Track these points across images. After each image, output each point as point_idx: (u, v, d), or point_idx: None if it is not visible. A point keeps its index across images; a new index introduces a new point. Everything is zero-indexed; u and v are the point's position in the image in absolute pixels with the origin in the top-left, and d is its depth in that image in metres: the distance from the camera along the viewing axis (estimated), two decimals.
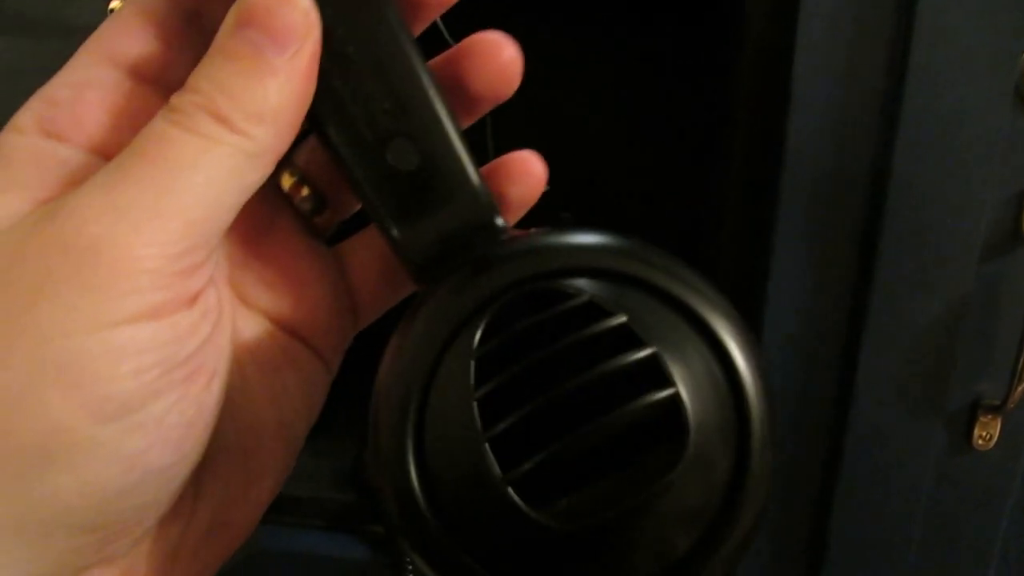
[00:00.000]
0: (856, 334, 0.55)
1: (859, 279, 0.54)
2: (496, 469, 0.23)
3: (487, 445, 0.23)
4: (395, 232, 0.27)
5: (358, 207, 0.29)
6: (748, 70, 0.54)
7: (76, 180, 0.23)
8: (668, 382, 0.23)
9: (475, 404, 0.23)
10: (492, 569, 0.23)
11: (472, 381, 0.23)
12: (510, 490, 0.23)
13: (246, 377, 0.28)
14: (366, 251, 0.31)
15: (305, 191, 0.29)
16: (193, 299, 0.24)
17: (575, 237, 0.25)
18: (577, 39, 0.67)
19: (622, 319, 0.23)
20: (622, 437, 0.23)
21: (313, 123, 0.26)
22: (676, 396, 0.23)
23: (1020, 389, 0.53)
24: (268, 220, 0.29)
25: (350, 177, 0.26)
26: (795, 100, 0.50)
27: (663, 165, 0.70)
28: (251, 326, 0.29)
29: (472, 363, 0.24)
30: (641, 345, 0.23)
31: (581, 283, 0.24)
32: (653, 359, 0.23)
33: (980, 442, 0.56)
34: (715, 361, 0.23)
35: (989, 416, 0.55)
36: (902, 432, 0.56)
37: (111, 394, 0.22)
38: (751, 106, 0.55)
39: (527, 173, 0.29)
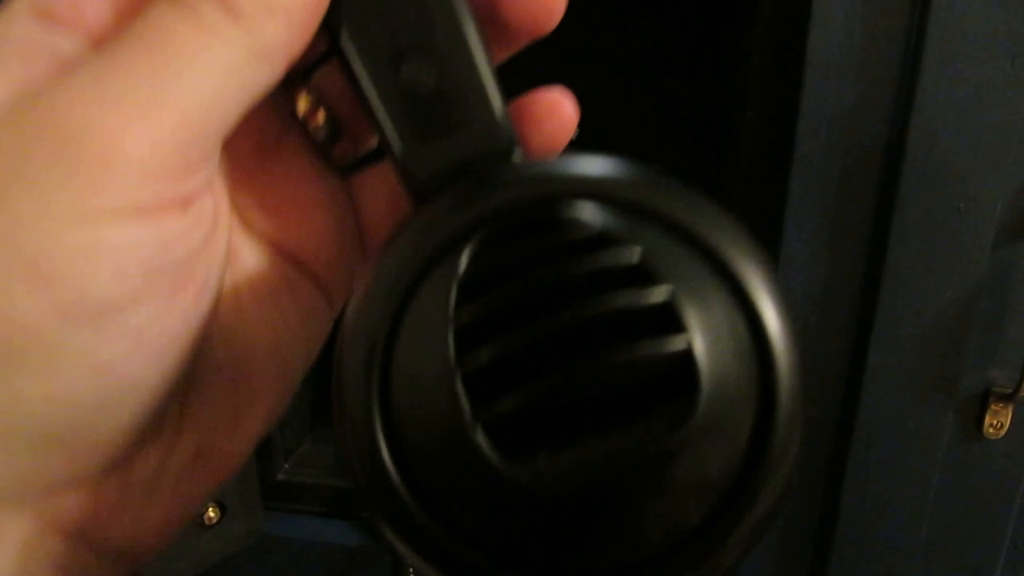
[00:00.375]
0: (866, 320, 0.54)
1: (870, 264, 0.53)
2: (467, 409, 0.19)
3: (460, 380, 0.19)
4: (400, 151, 0.24)
5: (377, 142, 0.27)
6: (761, 49, 0.53)
7: (67, 69, 0.21)
8: (681, 330, 0.19)
9: (451, 333, 0.20)
10: (462, 534, 0.20)
11: (452, 307, 0.20)
12: (480, 434, 0.19)
13: (242, 300, 0.26)
14: (380, 186, 0.29)
15: (321, 117, 0.27)
16: (185, 203, 0.22)
17: (593, 163, 0.22)
18: None
19: (635, 255, 0.20)
20: (623, 390, 0.20)
21: (327, 30, 0.24)
22: (688, 347, 0.19)
23: None
24: (278, 142, 0.27)
25: (361, 91, 0.24)
26: (808, 83, 0.49)
27: (667, 149, 0.69)
28: (251, 250, 0.27)
29: (455, 286, 0.20)
30: (655, 286, 0.20)
31: (593, 212, 0.21)
32: (667, 302, 0.20)
33: (991, 430, 0.55)
34: (740, 314, 0.20)
35: (1000, 404, 0.55)
36: (912, 420, 0.55)
37: (86, 295, 0.20)
38: (762, 91, 0.54)
39: (555, 114, 0.26)
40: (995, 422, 0.55)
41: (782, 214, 0.52)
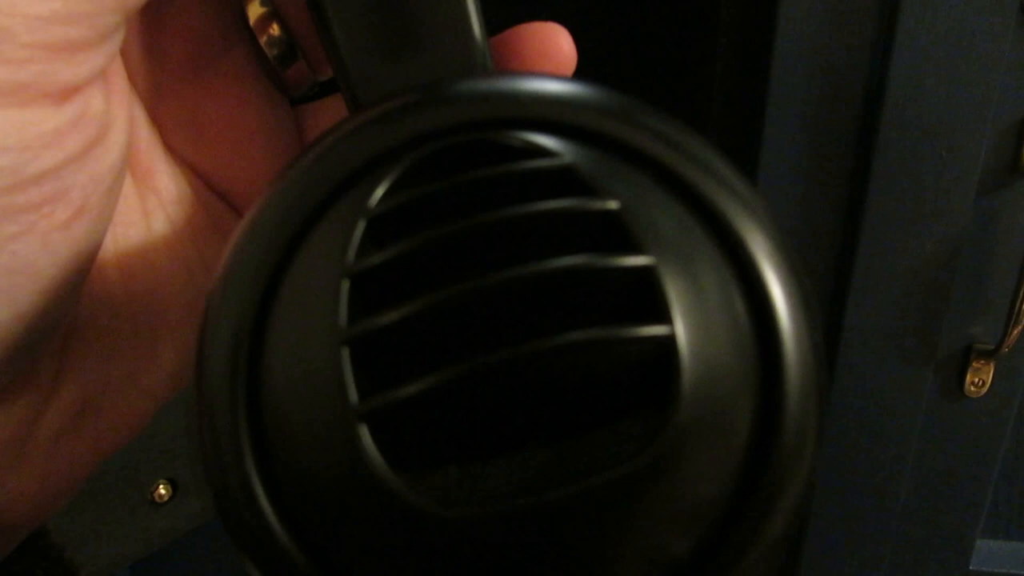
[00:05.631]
0: (844, 275, 0.52)
1: (848, 215, 0.51)
2: (351, 390, 0.14)
3: (346, 352, 0.14)
4: (352, 69, 0.20)
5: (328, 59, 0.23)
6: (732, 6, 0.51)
7: None
8: (661, 311, 0.15)
9: (346, 284, 0.15)
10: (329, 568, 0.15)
11: (353, 251, 0.15)
12: (364, 433, 0.14)
13: (153, 234, 0.22)
14: (335, 117, 0.24)
15: (275, 29, 0.22)
16: (63, 95, 0.18)
17: (569, 87, 0.17)
18: None
19: (611, 205, 0.15)
20: (575, 385, 0.15)
21: None
22: (669, 335, 0.14)
23: (1016, 332, 0.50)
24: (220, 53, 0.23)
25: None
26: (781, 22, 0.46)
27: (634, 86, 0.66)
28: (171, 176, 0.23)
29: (360, 223, 0.15)
30: (632, 250, 0.15)
31: (558, 144, 0.16)
32: (646, 273, 0.15)
33: (972, 388, 0.53)
34: (741, 293, 0.15)
35: (982, 361, 0.53)
36: (891, 378, 0.53)
37: None
38: (735, 33, 0.52)
39: (548, 53, 0.22)
40: (976, 380, 0.53)
41: (755, 163, 0.49)
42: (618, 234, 0.15)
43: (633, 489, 0.14)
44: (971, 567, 0.59)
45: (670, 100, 0.64)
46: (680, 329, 0.14)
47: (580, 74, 0.22)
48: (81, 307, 0.21)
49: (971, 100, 0.46)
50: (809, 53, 0.47)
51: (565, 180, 0.16)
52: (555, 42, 0.22)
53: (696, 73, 0.57)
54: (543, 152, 0.16)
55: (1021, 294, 0.49)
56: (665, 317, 0.14)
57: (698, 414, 0.14)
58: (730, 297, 0.15)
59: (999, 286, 0.51)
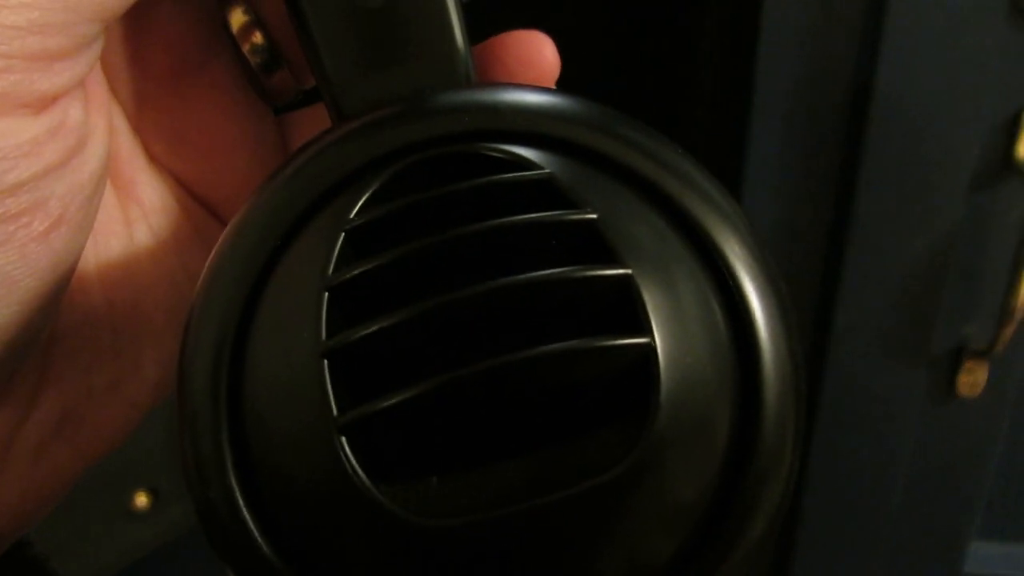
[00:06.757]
0: (834, 273, 0.51)
1: (837, 213, 0.50)
2: (330, 405, 0.15)
3: (325, 364, 0.15)
4: (334, 79, 0.20)
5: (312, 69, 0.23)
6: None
7: None
8: (639, 322, 0.15)
9: (325, 296, 0.15)
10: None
11: (332, 262, 0.15)
12: (343, 445, 0.14)
13: (135, 244, 0.23)
14: (318, 126, 0.24)
15: (258, 38, 0.23)
16: (41, 105, 0.18)
17: (548, 98, 0.18)
18: None
19: (589, 215, 0.15)
20: (553, 396, 0.15)
21: None
22: (648, 344, 0.15)
23: (1009, 332, 0.49)
24: (203, 63, 0.23)
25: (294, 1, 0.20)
26: (769, 10, 0.46)
27: (620, 89, 0.66)
28: (154, 187, 0.23)
29: (340, 237, 0.16)
30: (611, 260, 0.15)
31: (538, 156, 0.16)
32: (624, 284, 0.15)
33: (965, 389, 0.53)
34: (719, 302, 0.16)
35: (975, 361, 0.52)
36: (883, 378, 0.53)
37: None
38: (720, 29, 0.51)
39: (531, 62, 0.22)
40: (970, 380, 0.52)
41: (742, 161, 0.49)
42: (596, 245, 0.15)
43: (614, 497, 0.15)
44: (965, 569, 0.59)
45: (656, 95, 0.63)
46: (658, 338, 0.15)
47: (564, 82, 0.22)
48: (62, 318, 0.21)
49: (962, 97, 0.46)
50: (797, 47, 0.47)
51: (544, 191, 0.16)
52: (538, 50, 0.22)
53: (682, 61, 0.57)
54: (522, 164, 0.16)
55: (1014, 293, 0.49)
56: (643, 327, 0.15)
57: (678, 422, 0.15)
58: (708, 306, 0.16)
59: (991, 285, 0.50)
